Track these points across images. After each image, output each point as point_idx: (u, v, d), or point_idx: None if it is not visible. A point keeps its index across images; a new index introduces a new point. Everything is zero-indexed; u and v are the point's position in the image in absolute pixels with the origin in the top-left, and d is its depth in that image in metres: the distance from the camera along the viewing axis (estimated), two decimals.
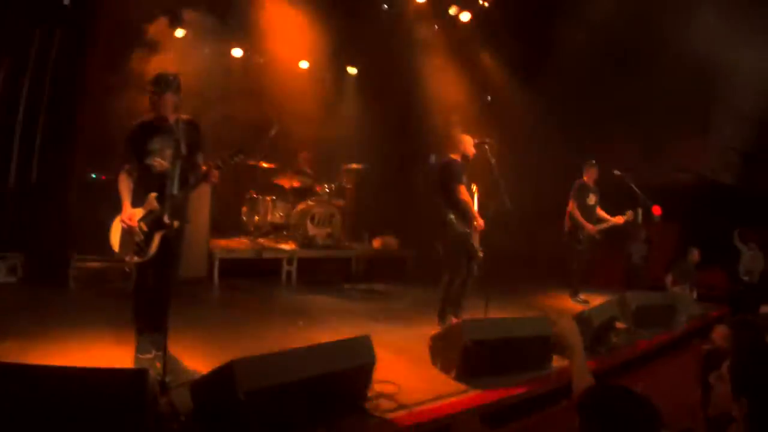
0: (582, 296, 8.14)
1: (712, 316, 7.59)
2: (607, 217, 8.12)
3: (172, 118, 4.17)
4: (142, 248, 4.13)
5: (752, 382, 1.87)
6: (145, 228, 4.12)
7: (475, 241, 6.07)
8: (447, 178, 6.04)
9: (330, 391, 3.37)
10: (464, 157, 6.21)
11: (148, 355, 4.21)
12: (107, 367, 3.73)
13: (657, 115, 9.05)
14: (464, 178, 6.04)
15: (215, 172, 4.20)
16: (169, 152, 4.14)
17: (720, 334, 3.31)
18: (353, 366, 3.57)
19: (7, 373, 2.80)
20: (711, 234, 9.27)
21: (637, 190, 8.05)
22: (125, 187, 4.22)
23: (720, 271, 9.44)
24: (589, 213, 8.07)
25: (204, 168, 4.29)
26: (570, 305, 7.93)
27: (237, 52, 9.70)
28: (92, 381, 2.92)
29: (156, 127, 4.21)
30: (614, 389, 1.93)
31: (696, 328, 6.93)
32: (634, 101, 8.88)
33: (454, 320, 6.11)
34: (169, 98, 4.12)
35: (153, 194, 4.16)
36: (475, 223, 5.99)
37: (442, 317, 6.25)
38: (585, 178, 8.23)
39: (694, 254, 8.94)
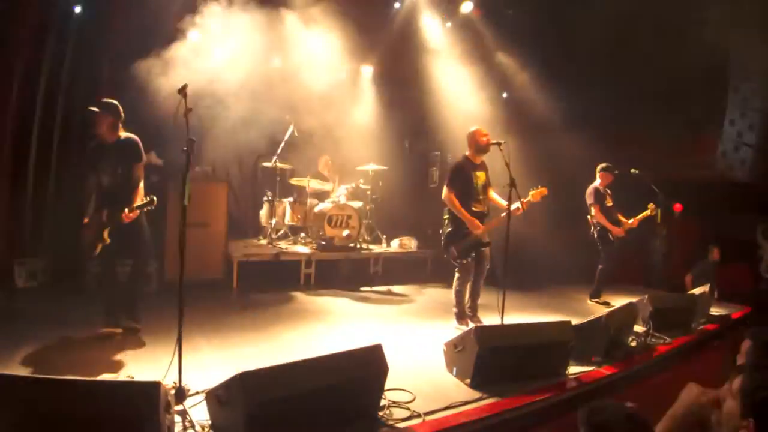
0: (603, 298, 8.02)
1: (733, 318, 7.44)
2: (625, 220, 8.00)
3: (113, 138, 5.13)
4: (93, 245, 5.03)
5: (760, 405, 1.83)
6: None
7: (483, 238, 6.09)
8: (445, 179, 6.21)
9: (341, 402, 3.36)
10: (477, 150, 6.21)
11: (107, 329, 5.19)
12: (120, 380, 3.81)
13: (674, 111, 8.87)
14: (458, 182, 6.07)
15: (127, 215, 4.89)
16: (109, 170, 5.12)
17: (746, 348, 3.19)
18: (365, 376, 3.56)
19: (20, 386, 2.83)
20: (734, 231, 9.08)
21: (655, 188, 7.92)
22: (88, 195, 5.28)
23: (743, 269, 9.24)
24: (609, 215, 7.96)
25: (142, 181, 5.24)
26: (587, 306, 7.83)
27: (253, 54, 9.70)
28: (105, 394, 2.94)
29: (103, 146, 5.15)
30: (609, 407, 1.92)
31: (716, 330, 6.79)
32: (651, 97, 8.73)
33: (468, 323, 6.13)
34: (111, 121, 5.09)
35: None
36: (469, 226, 6.01)
37: (459, 319, 6.26)
38: (598, 182, 8.10)
39: (714, 253, 8.78)
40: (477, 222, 6.02)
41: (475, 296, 6.38)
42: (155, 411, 2.89)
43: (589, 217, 8.02)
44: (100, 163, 5.16)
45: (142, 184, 5.28)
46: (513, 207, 5.75)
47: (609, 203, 8.03)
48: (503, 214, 5.82)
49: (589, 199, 7.99)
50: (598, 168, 8.14)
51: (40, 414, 2.72)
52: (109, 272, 5.45)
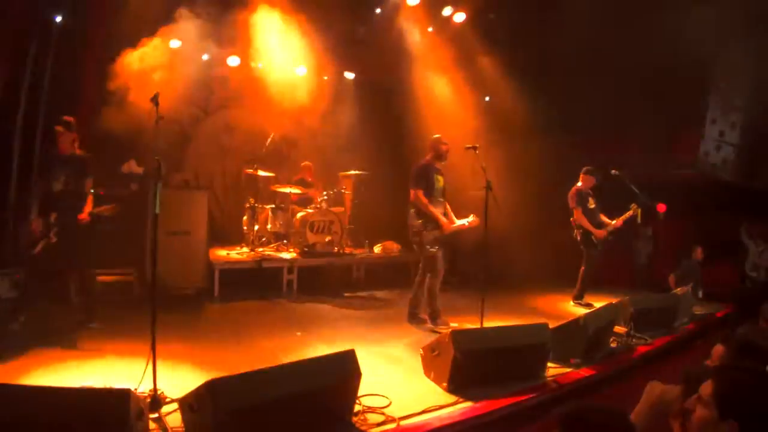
0: (586, 300, 8.06)
1: (716, 317, 7.49)
2: (608, 221, 8.05)
3: (70, 152, 5.71)
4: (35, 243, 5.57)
5: (746, 405, 1.83)
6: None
7: (448, 240, 6.42)
8: (410, 181, 6.43)
9: (314, 408, 3.36)
10: (437, 156, 6.51)
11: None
12: (90, 387, 3.78)
13: (655, 111, 8.92)
14: (424, 181, 6.33)
15: (84, 216, 5.61)
16: (63, 178, 5.64)
17: (719, 353, 3.19)
18: (338, 381, 3.55)
19: None
20: (718, 230, 9.15)
21: (635, 189, 7.97)
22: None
23: (729, 268, 9.31)
24: (592, 217, 8.01)
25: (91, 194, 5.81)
26: (570, 309, 7.86)
27: (234, 61, 9.71)
28: (74, 401, 2.93)
29: (59, 157, 5.70)
30: (592, 407, 1.91)
31: (699, 329, 6.84)
32: (632, 98, 8.78)
33: (448, 324, 6.18)
34: (72, 137, 5.69)
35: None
36: (441, 223, 6.27)
37: (433, 320, 6.32)
38: (581, 185, 8.14)
39: (698, 252, 8.85)
40: (446, 222, 6.32)
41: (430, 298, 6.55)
42: (125, 419, 2.87)
43: (571, 219, 8.07)
44: (53, 171, 5.71)
45: (91, 197, 5.83)
46: (464, 222, 6.36)
47: (591, 205, 8.07)
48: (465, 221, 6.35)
49: (571, 202, 8.03)
50: (582, 171, 8.18)
51: (7, 422, 2.69)
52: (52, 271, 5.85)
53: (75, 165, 5.75)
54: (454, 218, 6.51)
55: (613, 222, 8.00)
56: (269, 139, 9.27)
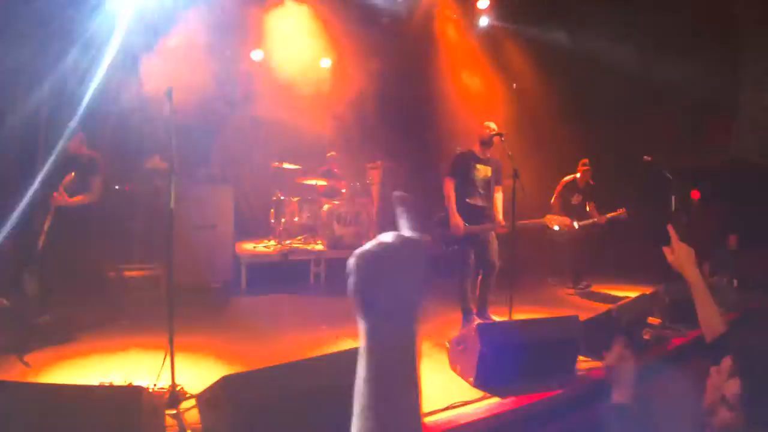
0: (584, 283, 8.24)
1: (751, 308, 7.16)
2: (595, 215, 8.05)
3: (76, 151, 5.90)
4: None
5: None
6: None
7: (483, 234, 6.00)
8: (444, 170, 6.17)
9: (331, 405, 3.23)
10: (481, 143, 6.11)
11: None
12: (102, 385, 3.76)
13: (690, 96, 8.59)
14: (457, 172, 6.04)
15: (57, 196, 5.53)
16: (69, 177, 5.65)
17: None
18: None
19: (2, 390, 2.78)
20: (753, 217, 8.78)
21: (668, 175, 7.69)
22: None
23: (763, 257, 8.94)
24: (570, 212, 7.92)
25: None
26: (601, 300, 7.64)
27: (257, 55, 9.67)
28: (87, 399, 2.89)
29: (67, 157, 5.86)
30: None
31: (734, 320, 6.54)
32: (666, 83, 8.48)
33: (476, 320, 5.99)
34: (81, 137, 5.94)
35: None
36: (451, 222, 5.94)
37: (465, 315, 6.14)
38: (576, 176, 8.20)
39: (732, 241, 8.54)
40: (460, 223, 5.90)
41: (483, 292, 6.22)
42: (137, 416, 2.81)
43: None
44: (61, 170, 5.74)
45: (84, 198, 5.84)
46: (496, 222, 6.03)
47: (575, 201, 8.19)
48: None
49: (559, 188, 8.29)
50: (581, 163, 8.22)
51: (16, 420, 2.65)
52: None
53: (82, 164, 5.86)
54: (500, 212, 6.13)
55: (594, 219, 8.00)
56: (330, 154, 9.28)
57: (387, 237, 0.92)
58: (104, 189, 7.02)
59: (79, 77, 7.22)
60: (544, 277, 8.67)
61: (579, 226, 7.80)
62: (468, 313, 6.13)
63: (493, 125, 6.05)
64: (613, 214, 7.88)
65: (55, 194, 5.48)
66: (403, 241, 0.92)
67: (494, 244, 6.09)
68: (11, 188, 6.07)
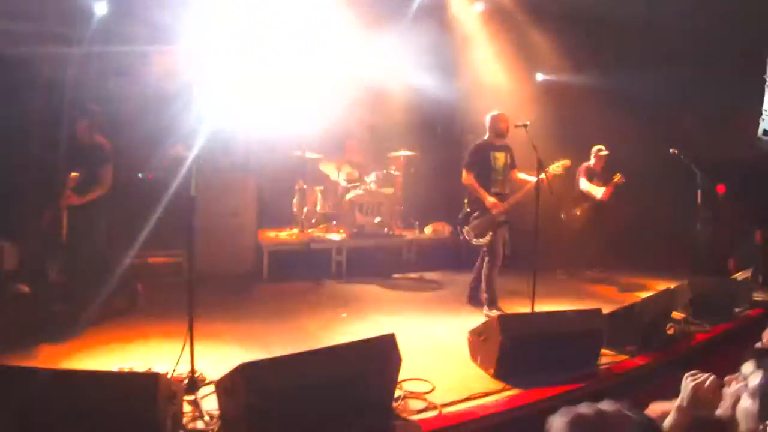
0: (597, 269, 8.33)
1: None
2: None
3: (86, 139, 5.73)
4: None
5: None
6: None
7: (499, 217, 6.04)
8: (463, 162, 6.25)
9: (350, 393, 3.23)
10: (495, 134, 6.20)
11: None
12: (119, 371, 3.79)
13: (716, 89, 8.38)
14: (476, 163, 6.14)
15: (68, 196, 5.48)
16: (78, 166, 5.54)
17: None
18: (376, 367, 3.42)
19: (18, 377, 2.81)
20: None
21: (695, 168, 7.53)
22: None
23: None
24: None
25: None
26: (624, 294, 7.52)
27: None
28: (103, 385, 2.91)
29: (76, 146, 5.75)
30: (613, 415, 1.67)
31: (759, 316, 6.39)
32: (689, 73, 8.30)
33: (502, 310, 5.98)
34: (87, 125, 5.70)
35: None
36: (488, 206, 6.00)
37: (490, 306, 6.12)
38: (593, 163, 8.23)
39: (757, 235, 8.33)
40: (497, 201, 6.00)
41: (477, 277, 6.42)
42: (153, 403, 2.82)
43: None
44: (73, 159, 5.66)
45: (94, 192, 5.70)
46: (534, 180, 5.76)
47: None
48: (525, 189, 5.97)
49: (580, 175, 8.28)
50: (595, 150, 8.24)
51: (33, 406, 2.68)
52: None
53: (91, 153, 5.73)
54: (529, 180, 6.10)
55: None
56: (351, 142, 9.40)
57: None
58: (126, 177, 7.12)
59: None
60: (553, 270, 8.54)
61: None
62: (492, 303, 6.10)
63: (503, 117, 6.21)
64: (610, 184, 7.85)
65: (64, 196, 5.44)
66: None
67: (506, 236, 6.24)
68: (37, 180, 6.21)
